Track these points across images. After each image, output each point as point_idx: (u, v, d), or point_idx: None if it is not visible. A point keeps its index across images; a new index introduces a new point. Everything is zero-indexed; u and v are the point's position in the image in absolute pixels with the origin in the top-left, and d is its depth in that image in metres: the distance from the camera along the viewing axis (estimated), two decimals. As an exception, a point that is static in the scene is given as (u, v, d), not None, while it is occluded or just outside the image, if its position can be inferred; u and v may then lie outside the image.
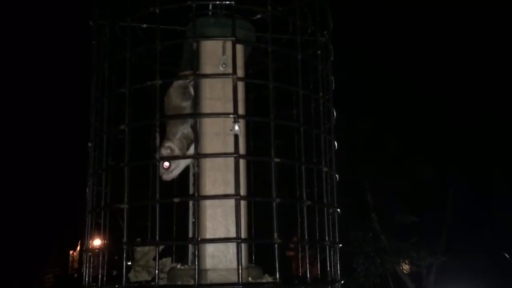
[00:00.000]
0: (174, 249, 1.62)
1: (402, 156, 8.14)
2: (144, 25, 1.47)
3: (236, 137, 1.12)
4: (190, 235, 1.41)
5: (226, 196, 1.21)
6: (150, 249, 1.57)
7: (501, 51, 7.40)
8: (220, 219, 1.26)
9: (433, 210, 8.54)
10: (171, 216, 1.65)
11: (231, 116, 1.13)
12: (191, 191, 1.42)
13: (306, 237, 1.17)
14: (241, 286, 1.05)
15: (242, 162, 1.19)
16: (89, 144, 1.33)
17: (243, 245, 1.15)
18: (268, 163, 1.13)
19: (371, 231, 8.24)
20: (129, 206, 1.13)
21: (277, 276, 1.11)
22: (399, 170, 8.05)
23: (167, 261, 1.57)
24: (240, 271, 1.05)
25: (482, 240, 8.93)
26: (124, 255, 1.20)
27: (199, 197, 1.17)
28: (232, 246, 1.26)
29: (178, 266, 1.41)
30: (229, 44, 1.31)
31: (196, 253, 1.08)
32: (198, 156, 1.16)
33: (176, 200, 1.11)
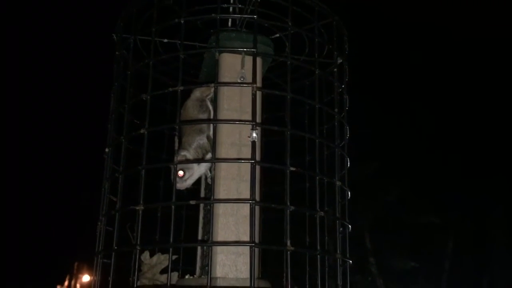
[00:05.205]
0: (180, 264, 1.62)
1: (403, 201, 8.14)
2: (165, 40, 1.52)
3: (253, 143, 1.14)
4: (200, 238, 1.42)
5: (241, 200, 1.23)
6: (157, 262, 1.57)
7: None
8: (232, 228, 1.27)
9: (433, 256, 8.45)
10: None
11: (250, 123, 1.16)
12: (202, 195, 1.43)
13: (318, 247, 1.17)
14: (253, 290, 1.04)
15: (258, 171, 1.20)
16: (106, 150, 1.36)
17: (255, 254, 1.15)
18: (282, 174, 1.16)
19: (370, 275, 8.14)
20: (144, 208, 1.14)
21: (288, 284, 1.11)
22: (399, 214, 8.03)
23: (174, 275, 1.56)
24: (253, 274, 1.05)
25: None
26: (135, 259, 1.20)
27: (215, 200, 1.19)
28: (243, 256, 1.26)
29: (187, 276, 1.41)
30: (248, 59, 1.35)
31: (210, 255, 1.08)
32: (216, 160, 1.19)
33: (192, 202, 1.12)
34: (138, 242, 1.13)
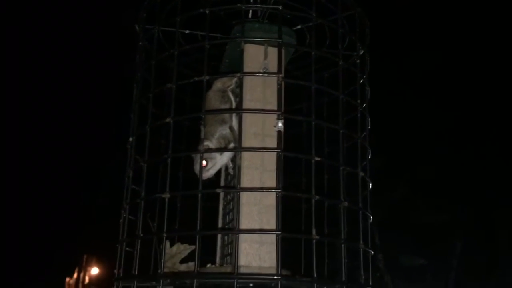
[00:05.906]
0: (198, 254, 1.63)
1: (412, 198, 8.11)
2: (187, 31, 1.53)
3: (279, 133, 1.15)
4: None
5: (267, 189, 1.24)
6: (177, 252, 1.58)
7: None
8: (255, 218, 1.28)
9: (441, 254, 8.43)
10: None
11: (276, 113, 1.16)
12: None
13: (343, 236, 1.18)
14: (279, 277, 1.05)
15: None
16: (130, 139, 1.37)
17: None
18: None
19: (378, 272, 8.13)
20: (170, 195, 1.15)
21: (314, 272, 1.12)
22: (408, 211, 8.01)
23: (193, 265, 1.57)
24: (279, 262, 1.06)
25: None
26: (162, 246, 1.22)
27: (241, 189, 1.20)
28: (266, 245, 1.27)
29: (208, 265, 1.42)
30: (271, 50, 1.36)
31: (236, 242, 1.09)
32: (242, 149, 1.20)
33: (218, 190, 1.13)
34: (165, 230, 1.14)
